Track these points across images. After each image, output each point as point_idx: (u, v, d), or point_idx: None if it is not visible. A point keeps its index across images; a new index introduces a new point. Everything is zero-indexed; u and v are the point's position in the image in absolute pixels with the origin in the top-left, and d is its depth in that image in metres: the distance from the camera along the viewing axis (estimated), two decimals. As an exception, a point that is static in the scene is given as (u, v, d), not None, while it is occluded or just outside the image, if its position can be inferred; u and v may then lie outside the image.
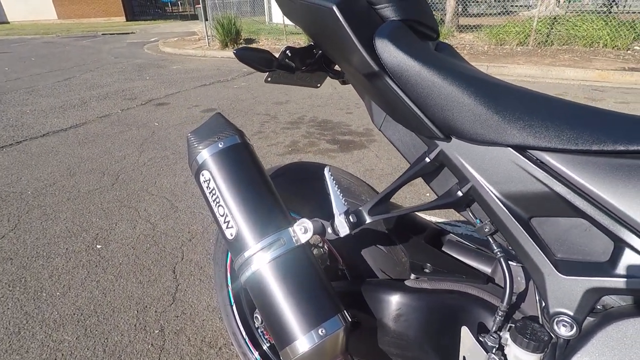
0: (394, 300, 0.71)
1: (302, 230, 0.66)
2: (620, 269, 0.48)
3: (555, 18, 7.38)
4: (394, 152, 3.00)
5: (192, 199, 2.40)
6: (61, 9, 25.13)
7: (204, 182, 0.73)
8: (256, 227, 0.67)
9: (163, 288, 1.66)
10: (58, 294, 1.64)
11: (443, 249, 0.78)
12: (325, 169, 0.71)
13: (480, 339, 0.59)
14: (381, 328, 0.73)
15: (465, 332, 0.60)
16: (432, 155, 0.61)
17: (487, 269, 0.73)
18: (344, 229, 0.65)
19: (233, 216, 0.68)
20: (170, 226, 2.11)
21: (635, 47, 6.45)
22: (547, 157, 0.50)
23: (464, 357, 0.61)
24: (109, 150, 3.22)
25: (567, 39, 6.95)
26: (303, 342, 0.62)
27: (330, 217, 0.69)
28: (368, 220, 0.66)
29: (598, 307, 0.53)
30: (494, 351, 0.58)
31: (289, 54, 0.81)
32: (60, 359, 1.34)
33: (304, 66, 0.84)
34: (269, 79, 0.88)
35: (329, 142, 3.29)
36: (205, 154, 0.73)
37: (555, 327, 0.52)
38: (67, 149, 3.28)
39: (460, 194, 0.58)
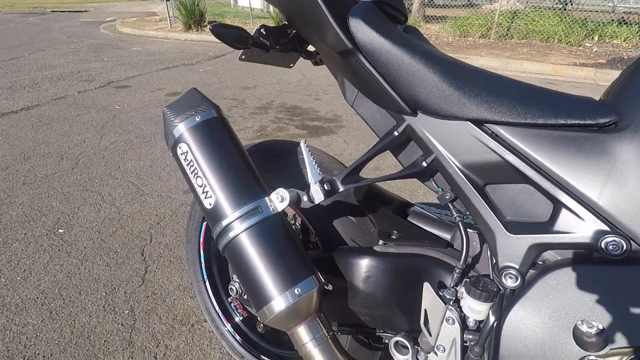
0: (364, 264, 0.77)
1: (279, 198, 0.70)
2: (558, 226, 0.56)
3: (515, 12, 7.71)
4: (362, 137, 3.08)
5: (159, 183, 2.35)
6: (5, -18, 23.06)
7: (182, 154, 0.74)
8: (234, 197, 0.69)
9: (132, 270, 1.64)
10: (19, 278, 1.58)
11: (408, 218, 0.85)
12: (301, 141, 0.74)
13: (440, 293, 0.66)
14: (352, 291, 0.79)
15: (426, 287, 0.67)
16: (400, 129, 0.66)
17: (446, 236, 0.80)
18: (318, 196, 0.69)
19: (211, 186, 0.70)
20: (137, 209, 2.07)
21: (586, 44, 6.89)
22: (501, 130, 0.57)
23: (425, 311, 0.68)
24: (66, 134, 3.07)
25: (526, 33, 7.30)
26: (279, 301, 0.66)
27: (303, 190, 0.73)
28: (341, 188, 0.70)
29: (539, 261, 0.61)
30: (451, 303, 0.65)
31: (264, 32, 0.83)
32: (25, 342, 1.30)
33: (277, 45, 0.86)
34: (243, 56, 0.90)
35: (297, 127, 3.31)
36: (182, 128, 0.75)
37: (503, 280, 0.59)
38: (20, 132, 3.09)
39: (424, 164, 0.64)
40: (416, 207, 0.87)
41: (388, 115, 0.71)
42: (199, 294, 1.23)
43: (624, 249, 0.50)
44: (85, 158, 2.67)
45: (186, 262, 1.27)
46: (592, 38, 7.08)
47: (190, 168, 0.73)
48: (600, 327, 0.52)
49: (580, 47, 6.75)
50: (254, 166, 0.76)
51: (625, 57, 5.97)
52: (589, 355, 0.52)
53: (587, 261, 0.55)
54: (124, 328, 1.37)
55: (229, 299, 1.21)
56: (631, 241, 0.51)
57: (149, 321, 1.40)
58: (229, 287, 0.94)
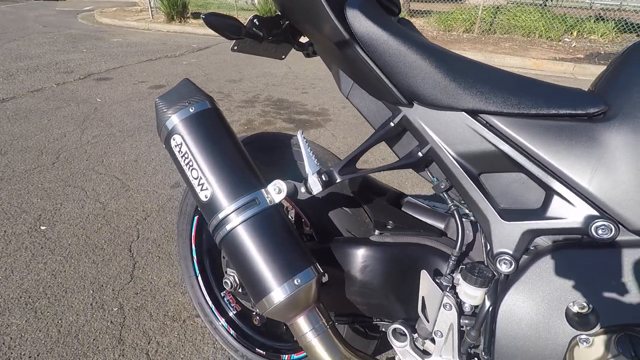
0: (361, 254, 0.77)
1: (276, 190, 0.69)
2: (550, 213, 0.58)
3: (498, 7, 7.81)
4: (349, 130, 3.08)
5: (145, 177, 2.30)
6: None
7: (175, 146, 0.73)
8: (230, 189, 0.69)
9: (119, 267, 1.61)
10: (0, 277, 1.53)
11: (402, 209, 0.85)
12: (298, 132, 0.74)
13: (437, 280, 0.67)
14: (349, 280, 0.79)
15: (424, 274, 0.68)
16: (396, 120, 0.66)
17: (440, 225, 0.81)
18: (316, 187, 0.69)
19: (207, 179, 0.69)
20: (123, 205, 2.03)
21: (565, 39, 7.04)
22: (495, 120, 0.58)
23: (423, 298, 0.69)
24: (45, 128, 2.97)
25: (508, 28, 7.40)
26: (278, 292, 0.66)
27: (299, 181, 0.73)
28: (338, 179, 0.70)
29: (532, 247, 0.62)
30: (447, 290, 0.66)
31: (257, 23, 0.81)
32: (9, 343, 1.27)
33: (270, 36, 0.85)
34: (236, 47, 0.88)
35: (285, 121, 3.29)
36: (175, 119, 0.73)
37: (498, 265, 0.61)
38: (-4, 125, 2.97)
39: (420, 154, 0.65)
40: (409, 198, 0.88)
41: (383, 107, 0.71)
42: (191, 289, 1.21)
43: (613, 232, 0.52)
44: (66, 152, 2.59)
45: (177, 258, 1.25)
46: (571, 33, 7.24)
47: (184, 160, 0.71)
48: (591, 307, 0.54)
49: (559, 42, 6.90)
50: (249, 157, 0.75)
51: (602, 52, 6.13)
52: (581, 334, 0.54)
53: (578, 245, 0.57)
54: (114, 326, 1.35)
55: (222, 294, 1.21)
56: (620, 225, 0.53)
57: (139, 318, 1.38)
58: (224, 281, 0.94)
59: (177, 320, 1.38)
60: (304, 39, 0.97)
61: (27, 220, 1.88)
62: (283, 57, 1.00)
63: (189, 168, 0.71)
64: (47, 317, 1.37)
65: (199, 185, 0.70)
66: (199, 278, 1.19)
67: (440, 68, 0.60)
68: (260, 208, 0.68)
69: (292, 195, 0.70)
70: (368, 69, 0.65)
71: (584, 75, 5.15)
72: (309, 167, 0.69)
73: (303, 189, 0.70)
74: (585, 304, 0.54)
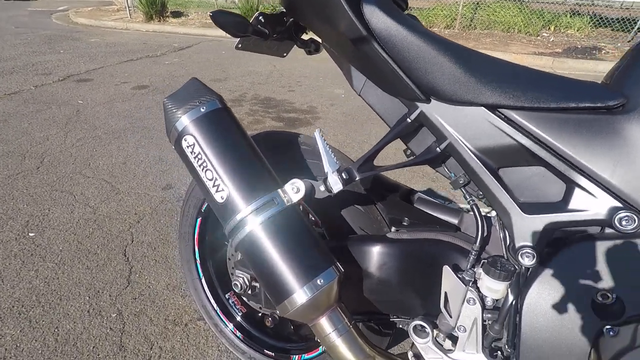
0: (378, 252, 0.77)
1: (294, 189, 0.68)
2: (571, 205, 0.59)
3: (478, 3, 7.93)
4: (339, 128, 3.08)
5: (134, 180, 2.25)
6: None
7: (187, 147, 0.71)
8: (247, 189, 0.68)
9: (115, 272, 1.57)
10: (-11, 287, 1.47)
11: (415, 205, 0.86)
12: (316, 131, 0.73)
13: (459, 275, 0.68)
14: (366, 278, 0.79)
15: (446, 270, 0.68)
16: (413, 116, 0.66)
17: (454, 220, 0.82)
18: (337, 186, 0.68)
19: (222, 180, 0.68)
20: (114, 209, 1.98)
21: (544, 34, 7.22)
22: (515, 115, 0.58)
23: (445, 293, 0.69)
24: (26, 131, 2.87)
25: (488, 23, 7.54)
26: (301, 294, 0.65)
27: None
28: (358, 177, 0.70)
29: (553, 239, 0.63)
30: (470, 285, 0.67)
31: (262, 20, 0.81)
32: (4, 354, 1.22)
33: (274, 33, 0.85)
34: (240, 45, 0.87)
35: (274, 119, 3.27)
36: (185, 120, 0.71)
37: (520, 259, 0.61)
38: (-27, 130, 2.85)
39: (438, 150, 0.65)
40: (420, 194, 0.88)
41: (399, 103, 0.71)
42: (194, 292, 1.19)
43: (637, 223, 0.54)
44: (51, 156, 2.51)
45: (179, 260, 1.23)
46: (549, 28, 7.42)
47: (198, 161, 0.70)
48: (616, 297, 0.55)
49: (538, 37, 7.07)
50: (263, 156, 0.74)
51: (579, 47, 6.31)
52: (607, 324, 0.55)
53: (601, 237, 0.58)
54: (113, 332, 1.31)
55: (227, 296, 1.19)
56: None
57: (139, 323, 1.35)
58: (233, 282, 0.92)
59: (179, 324, 1.35)
60: (306, 36, 0.97)
61: (14, 227, 1.81)
62: (285, 54, 1.00)
63: (202, 169, 0.69)
64: (42, 326, 1.33)
65: (214, 186, 0.69)
66: (203, 280, 1.17)
67: (459, 63, 0.60)
68: (279, 208, 0.67)
69: (309, 194, 0.70)
70: (385, 65, 0.65)
71: (563, 69, 5.29)
72: (329, 165, 0.69)
73: (322, 188, 0.70)
74: (610, 295, 0.55)
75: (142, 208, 1.99)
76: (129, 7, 8.72)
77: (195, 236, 1.14)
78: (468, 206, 0.74)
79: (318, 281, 0.65)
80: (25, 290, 1.46)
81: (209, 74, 4.60)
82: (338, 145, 2.79)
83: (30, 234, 1.78)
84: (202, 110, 0.71)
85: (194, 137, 0.70)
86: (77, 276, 1.54)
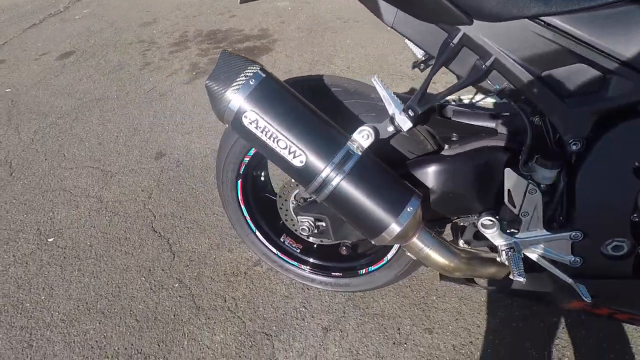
0: (439, 170, 0.88)
1: (365, 136, 0.75)
2: (611, 92, 0.69)
3: None
4: (302, 47, 2.98)
5: (121, 158, 2.18)
6: None
7: (250, 123, 0.74)
8: (324, 148, 0.74)
9: (155, 248, 1.64)
10: (43, 298, 1.51)
11: (453, 118, 0.95)
12: (374, 76, 0.77)
13: (518, 172, 0.80)
14: (433, 194, 0.90)
15: (508, 171, 0.80)
16: (456, 40, 0.72)
17: (492, 124, 0.92)
18: (406, 124, 0.76)
19: (297, 145, 0.73)
20: (118, 192, 1.96)
21: None
22: (556, 20, 0.65)
23: (509, 190, 0.82)
24: (-30, 138, 2.59)
25: None
26: (396, 225, 0.76)
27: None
28: (420, 110, 0.77)
29: (594, 125, 0.75)
30: (529, 178, 0.80)
31: None
32: (95, 346, 1.33)
33: None
34: None
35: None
36: (239, 98, 0.73)
37: (568, 147, 0.74)
38: None
39: (484, 67, 0.72)
40: (452, 106, 0.97)
41: (436, 29, 0.75)
42: (252, 246, 1.31)
43: None
44: (17, 158, 2.33)
45: (230, 223, 1.31)
46: None
47: (266, 134, 0.74)
48: None
49: None
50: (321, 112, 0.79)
51: None
52: None
53: (636, 116, 0.70)
54: (184, 298, 1.44)
55: (281, 239, 1.31)
56: None
57: (203, 285, 1.47)
58: (301, 227, 1.03)
59: (239, 275, 1.49)
60: None
61: (28, 239, 1.78)
62: None
63: (274, 140, 0.74)
64: (116, 313, 1.42)
65: (290, 153, 0.74)
66: (257, 233, 1.28)
67: None
68: (357, 158, 0.74)
69: (376, 138, 0.77)
70: None
71: None
72: (395, 106, 0.75)
73: (390, 128, 0.76)
74: None
75: (146, 183, 1.98)
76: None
77: (239, 197, 1.21)
78: (490, 105, 0.84)
79: (407, 209, 0.76)
80: (80, 289, 1.52)
81: (134, 18, 4.11)
82: (308, 66, 2.73)
83: (49, 240, 1.76)
84: (251, 83, 0.73)
85: (255, 112, 0.73)
86: (121, 263, 1.60)
